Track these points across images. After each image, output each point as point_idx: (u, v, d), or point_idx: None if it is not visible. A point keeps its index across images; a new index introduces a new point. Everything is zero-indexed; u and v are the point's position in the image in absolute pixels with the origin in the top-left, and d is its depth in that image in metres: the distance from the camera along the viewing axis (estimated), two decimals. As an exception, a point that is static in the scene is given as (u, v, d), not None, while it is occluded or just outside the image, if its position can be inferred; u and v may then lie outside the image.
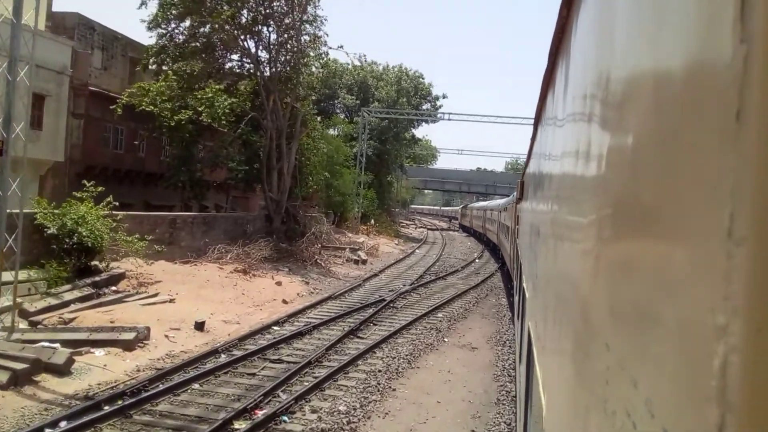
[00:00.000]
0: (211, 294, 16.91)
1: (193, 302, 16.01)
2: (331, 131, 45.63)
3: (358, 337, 14.83)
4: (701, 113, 0.65)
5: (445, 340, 15.63)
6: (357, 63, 42.60)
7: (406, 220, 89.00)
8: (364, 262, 30.89)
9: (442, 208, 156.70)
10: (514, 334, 13.05)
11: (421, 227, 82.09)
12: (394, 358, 13.03)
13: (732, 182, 0.55)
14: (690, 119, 0.69)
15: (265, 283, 19.96)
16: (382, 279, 25.86)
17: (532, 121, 6.06)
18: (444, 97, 61.12)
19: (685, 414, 0.64)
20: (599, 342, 1.10)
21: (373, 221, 48.01)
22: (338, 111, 51.28)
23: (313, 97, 54.39)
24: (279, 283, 20.16)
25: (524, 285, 5.94)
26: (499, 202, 38.87)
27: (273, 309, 17.17)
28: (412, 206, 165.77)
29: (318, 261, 26.34)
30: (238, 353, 12.22)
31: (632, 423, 0.83)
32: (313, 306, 18.15)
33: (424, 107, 52.44)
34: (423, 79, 52.88)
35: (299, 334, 14.31)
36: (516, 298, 10.58)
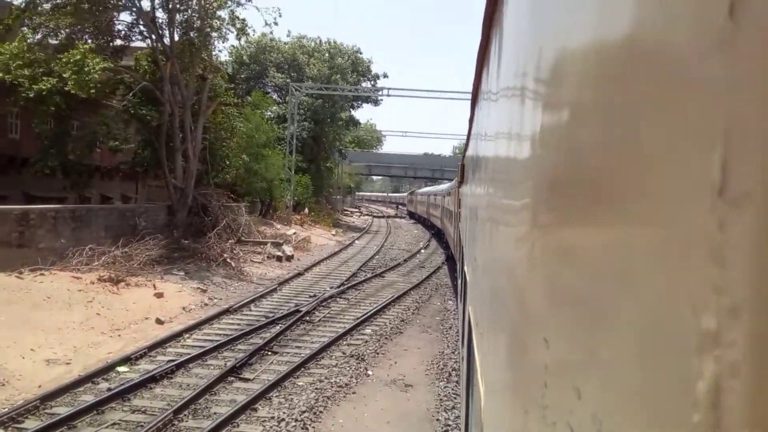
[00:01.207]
0: (46, 318, 12.14)
1: (15, 332, 11.34)
2: (267, 113, 41.35)
3: (241, 379, 10.38)
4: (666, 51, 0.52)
5: (369, 373, 11.26)
6: (272, 24, 37.89)
7: (352, 208, 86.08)
8: (290, 258, 26.39)
9: (390, 194, 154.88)
10: (461, 357, 10.64)
11: (367, 215, 79.23)
12: (282, 420, 8.58)
13: (724, 110, 0.39)
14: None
15: (140, 295, 15.29)
16: (307, 279, 21.71)
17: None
18: (385, 76, 57.34)
19: None
20: (537, 336, 1.06)
21: (307, 210, 43.72)
22: (269, 91, 46.64)
23: (243, 75, 51.84)
24: (160, 295, 15.46)
25: (465, 269, 6.02)
26: (443, 186, 38.89)
27: (138, 334, 12.69)
28: (360, 193, 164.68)
29: (228, 260, 21.78)
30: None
31: None
32: (198, 326, 13.73)
33: (363, 86, 48.83)
34: (361, 54, 48.82)
35: (152, 380, 9.87)
36: (459, 281, 10.53)
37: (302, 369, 11.15)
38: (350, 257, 29.01)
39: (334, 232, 41.58)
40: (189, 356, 11.22)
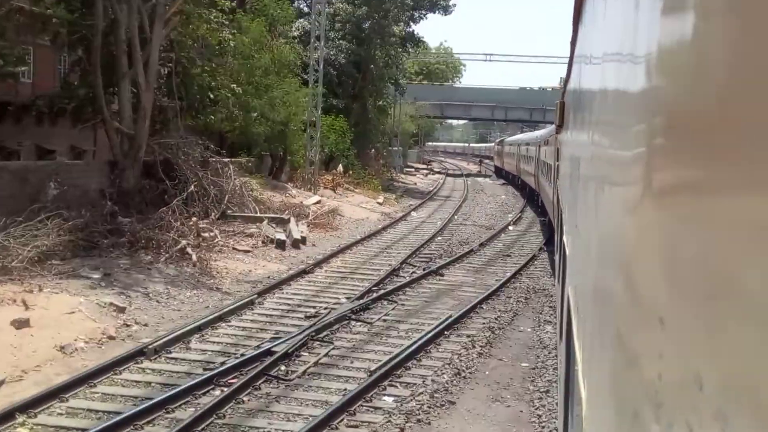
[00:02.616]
0: None
1: None
2: (291, 32, 37.33)
3: None
4: None
5: None
6: None
7: (418, 164, 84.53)
8: (299, 243, 22.26)
9: (472, 145, 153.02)
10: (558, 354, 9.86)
11: (439, 173, 77.05)
12: None
13: None
14: None
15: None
16: (314, 282, 17.50)
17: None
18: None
19: None
20: (652, 319, 1.11)
21: (341, 168, 40.22)
22: (293, -2, 43.31)
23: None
24: (23, 323, 11.09)
25: (564, 240, 6.42)
26: (538, 133, 39.74)
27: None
28: (431, 144, 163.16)
29: (187, 249, 17.70)
30: None
31: None
32: (59, 393, 9.52)
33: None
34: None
35: None
36: (556, 257, 10.92)
37: None
38: (396, 240, 25.45)
39: (381, 199, 38.58)
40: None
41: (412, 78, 65.45)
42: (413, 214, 34.69)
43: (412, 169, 73.01)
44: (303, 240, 23.01)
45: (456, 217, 34.08)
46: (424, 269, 19.97)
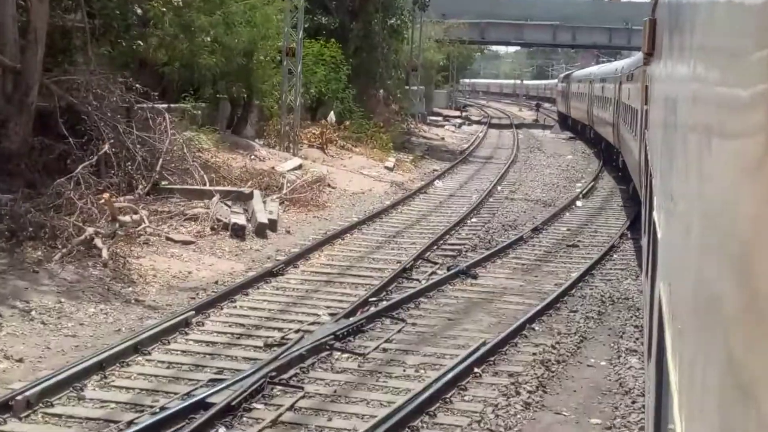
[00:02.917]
0: None
1: None
2: None
3: None
4: None
5: None
6: None
7: (448, 111, 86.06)
8: (268, 229, 21.97)
9: (526, 82, 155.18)
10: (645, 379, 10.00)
11: (478, 122, 78.92)
12: None
13: None
14: None
15: None
16: (285, 289, 17.25)
17: None
18: None
19: None
20: None
21: (333, 117, 40.73)
22: None
23: None
24: None
25: (655, 217, 6.71)
26: (618, 64, 41.74)
27: None
28: (468, 81, 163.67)
29: (97, 244, 17.34)
30: None
31: None
32: None
33: None
34: None
35: None
36: (643, 241, 11.79)
37: None
38: (410, 224, 25.86)
39: (392, 162, 38.89)
40: None
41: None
42: (437, 183, 34.87)
43: (440, 118, 73.00)
44: (272, 225, 22.75)
45: (500, 188, 34.10)
46: (448, 268, 19.82)
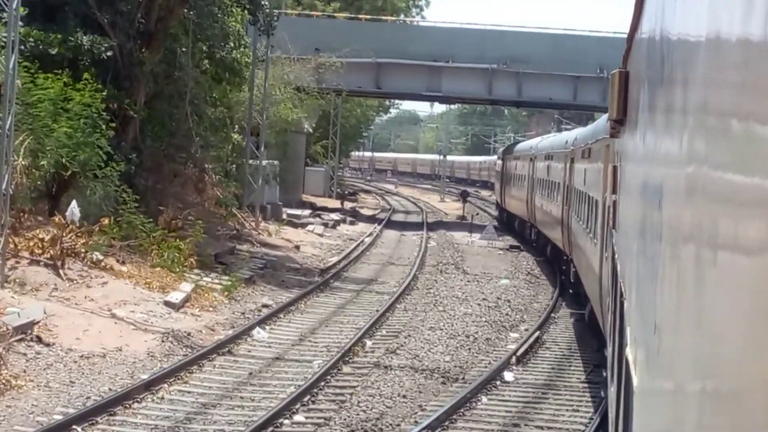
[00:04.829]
0: None
1: None
2: None
3: None
4: None
5: None
6: None
7: (327, 198, 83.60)
8: None
9: (452, 158, 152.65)
10: None
11: (372, 217, 76.87)
12: None
13: None
14: None
15: None
16: None
17: None
18: None
19: None
20: None
21: (76, 212, 36.48)
22: None
23: None
24: None
25: (629, 356, 7.04)
26: (569, 135, 43.32)
27: None
28: (374, 154, 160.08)
29: None
30: None
31: None
32: None
33: None
34: None
35: None
36: (611, 391, 12.43)
37: None
38: (175, 424, 22.81)
39: (182, 293, 34.46)
40: None
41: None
42: (258, 335, 31.11)
43: (306, 212, 67.66)
44: None
45: (370, 343, 30.60)
46: None
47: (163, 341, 28.99)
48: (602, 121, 25.45)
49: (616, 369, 10.56)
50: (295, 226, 61.27)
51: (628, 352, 7.17)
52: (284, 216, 62.30)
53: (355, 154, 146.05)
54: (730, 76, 2.34)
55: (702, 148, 2.90)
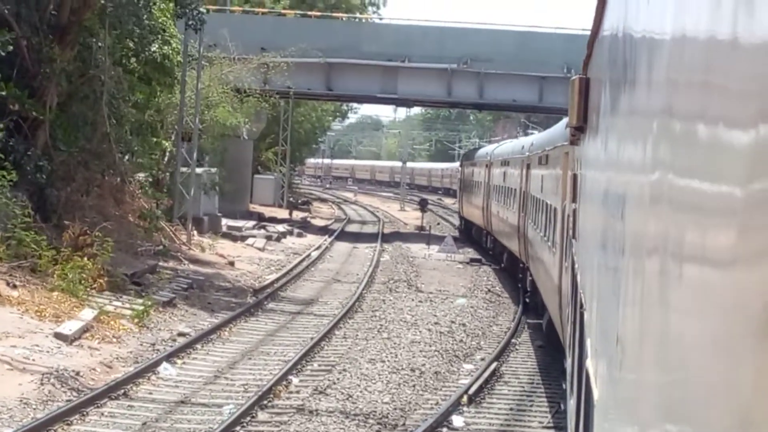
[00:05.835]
0: None
1: None
2: None
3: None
4: None
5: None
6: None
7: (276, 208, 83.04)
8: None
9: (412, 165, 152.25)
10: None
11: (324, 228, 76.34)
12: None
13: None
14: None
15: None
16: None
17: None
18: None
19: None
20: None
21: None
22: None
23: None
24: None
25: (589, 368, 7.21)
26: (525, 141, 44.35)
27: None
28: (340, 162, 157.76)
29: None
30: None
31: None
32: None
33: None
34: None
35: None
36: (570, 404, 12.86)
37: None
38: None
39: (81, 321, 32.25)
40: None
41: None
42: (165, 371, 28.11)
43: (247, 225, 66.05)
44: None
45: (297, 381, 28.25)
46: None
47: (42, 384, 25.70)
48: (560, 126, 25.58)
49: (575, 381, 10.54)
50: (234, 239, 58.99)
51: (589, 364, 7.07)
52: (223, 228, 60.32)
53: (311, 161, 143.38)
54: (695, 79, 2.33)
55: (667, 154, 2.89)
